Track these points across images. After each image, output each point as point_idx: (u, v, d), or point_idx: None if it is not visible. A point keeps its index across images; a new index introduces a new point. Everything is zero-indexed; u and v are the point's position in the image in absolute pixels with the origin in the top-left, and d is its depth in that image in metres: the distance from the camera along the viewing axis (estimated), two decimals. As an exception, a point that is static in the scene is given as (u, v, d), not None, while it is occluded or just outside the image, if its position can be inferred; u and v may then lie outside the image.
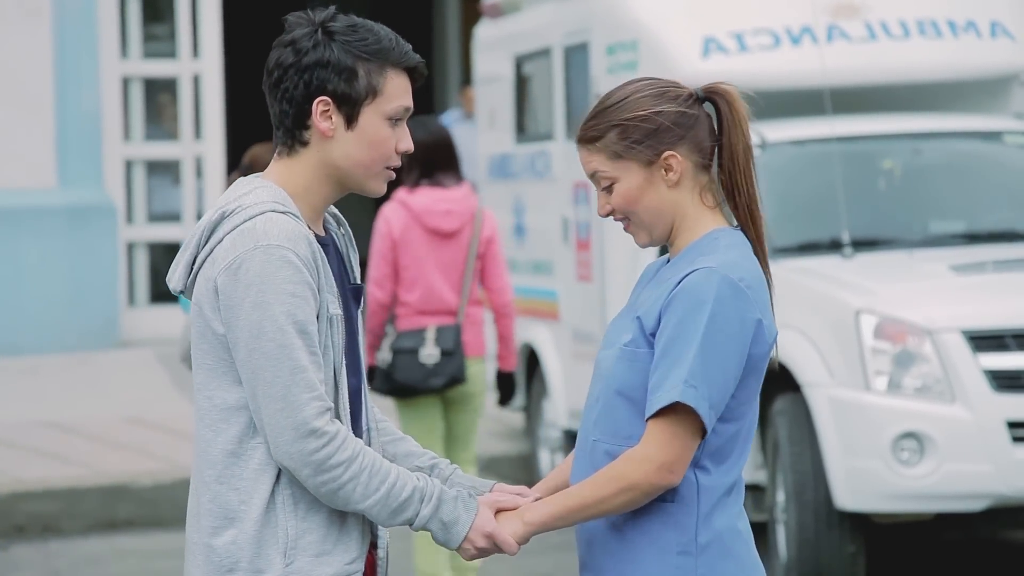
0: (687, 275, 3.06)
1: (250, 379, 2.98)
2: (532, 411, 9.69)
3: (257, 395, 2.98)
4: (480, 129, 10.60)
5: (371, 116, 3.08)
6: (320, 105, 3.06)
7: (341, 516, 3.06)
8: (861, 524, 7.18)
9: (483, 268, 7.04)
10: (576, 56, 9.04)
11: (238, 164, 6.99)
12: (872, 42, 8.45)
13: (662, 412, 3.03)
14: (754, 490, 7.73)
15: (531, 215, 9.70)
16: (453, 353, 6.90)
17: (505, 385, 7.37)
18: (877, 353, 7.06)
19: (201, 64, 13.02)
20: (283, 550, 3.02)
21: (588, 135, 3.15)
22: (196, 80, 13.03)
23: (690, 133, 3.13)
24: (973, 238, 8.04)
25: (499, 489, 3.25)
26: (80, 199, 12.36)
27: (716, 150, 3.16)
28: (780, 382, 7.44)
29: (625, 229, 3.19)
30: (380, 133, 3.09)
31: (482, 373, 7.10)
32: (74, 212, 12.31)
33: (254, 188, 3.07)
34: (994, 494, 6.98)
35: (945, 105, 8.72)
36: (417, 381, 6.88)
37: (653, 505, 3.09)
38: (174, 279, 3.10)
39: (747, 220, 3.15)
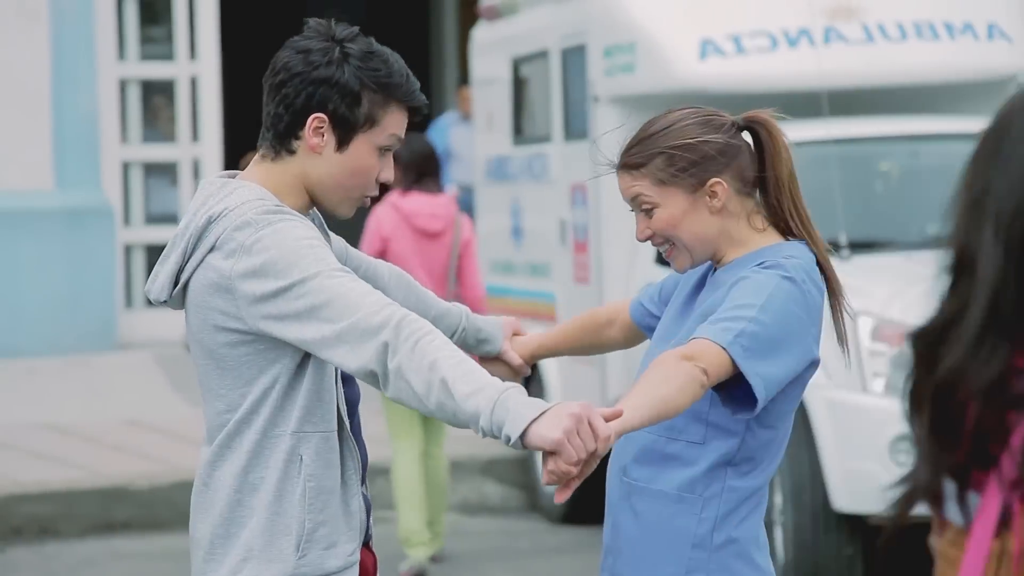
0: (753, 267, 3.10)
1: (307, 318, 2.92)
2: (530, 413, 9.69)
3: (317, 325, 2.91)
4: (477, 131, 10.61)
5: (363, 144, 3.08)
6: (315, 121, 3.05)
7: (347, 507, 3.07)
8: (859, 526, 7.18)
9: (460, 267, 8.02)
10: (573, 58, 9.04)
11: (235, 167, 7.11)
12: (869, 44, 8.45)
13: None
14: (752, 492, 7.73)
15: (528, 217, 9.70)
16: None
17: None
18: (874, 355, 7.06)
19: (198, 66, 13.02)
20: (297, 543, 3.02)
21: (633, 161, 3.18)
22: (193, 82, 13.03)
23: (734, 162, 3.18)
24: (970, 240, 8.03)
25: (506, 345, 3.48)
26: (77, 201, 12.35)
27: (760, 179, 3.20)
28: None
29: (666, 255, 3.22)
30: (367, 161, 3.09)
31: None
32: (71, 214, 12.31)
33: (236, 188, 3.06)
34: (991, 496, 6.98)
35: (942, 107, 8.72)
36: None
37: (679, 496, 3.12)
38: (155, 289, 3.07)
39: (809, 241, 3.21)
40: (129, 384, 11.68)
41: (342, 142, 3.07)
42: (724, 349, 2.96)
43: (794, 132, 9.26)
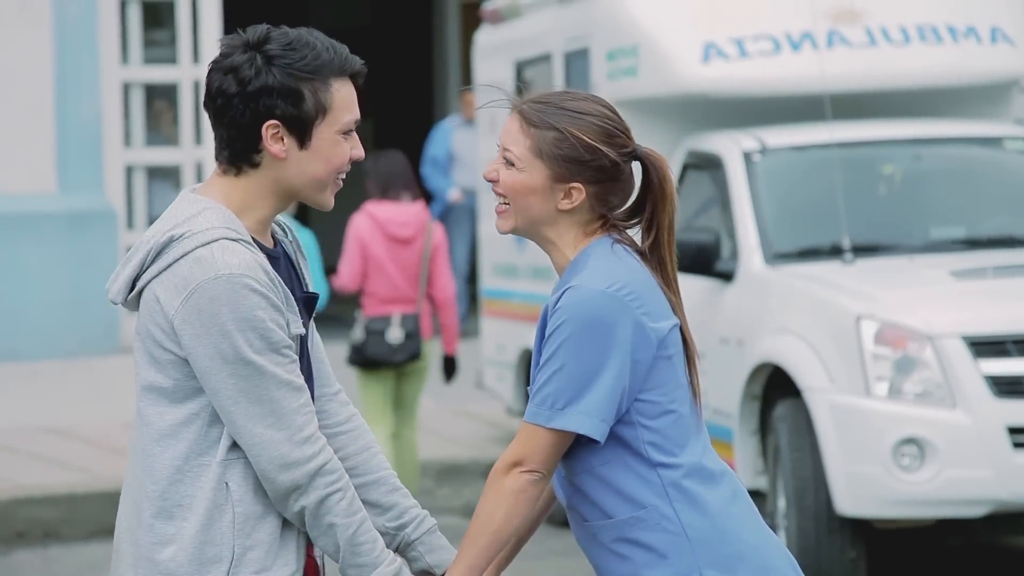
0: (560, 295, 3.15)
1: (231, 404, 2.98)
2: (532, 417, 9.68)
3: (240, 417, 2.98)
4: (481, 135, 10.61)
5: (323, 134, 3.07)
6: (270, 129, 3.04)
7: (282, 531, 3.06)
8: (862, 530, 7.17)
9: (432, 270, 8.73)
10: (576, 62, 9.04)
11: None
12: (872, 48, 8.45)
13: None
14: (755, 496, 7.72)
15: (531, 221, 9.69)
16: (413, 335, 8.61)
17: (449, 366, 9.11)
18: (878, 359, 7.06)
19: (201, 70, 13.01)
20: (227, 568, 3.02)
21: (531, 116, 3.17)
22: (196, 86, 13.03)
23: (607, 184, 3.18)
24: (973, 244, 8.03)
25: None
26: (80, 204, 12.36)
27: (645, 216, 3.21)
28: (781, 388, 7.44)
29: (497, 210, 3.24)
30: (335, 148, 3.08)
31: (430, 351, 8.85)
32: (74, 217, 12.31)
33: (202, 210, 3.04)
34: (995, 500, 6.98)
35: (945, 111, 8.72)
36: (383, 356, 8.58)
37: (631, 519, 3.13)
38: (112, 291, 3.08)
39: (666, 279, 3.20)
40: (131, 387, 11.64)
41: (303, 140, 3.05)
42: (547, 427, 3.10)
43: (797, 136, 9.33)
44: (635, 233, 3.24)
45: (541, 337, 3.21)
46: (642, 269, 3.17)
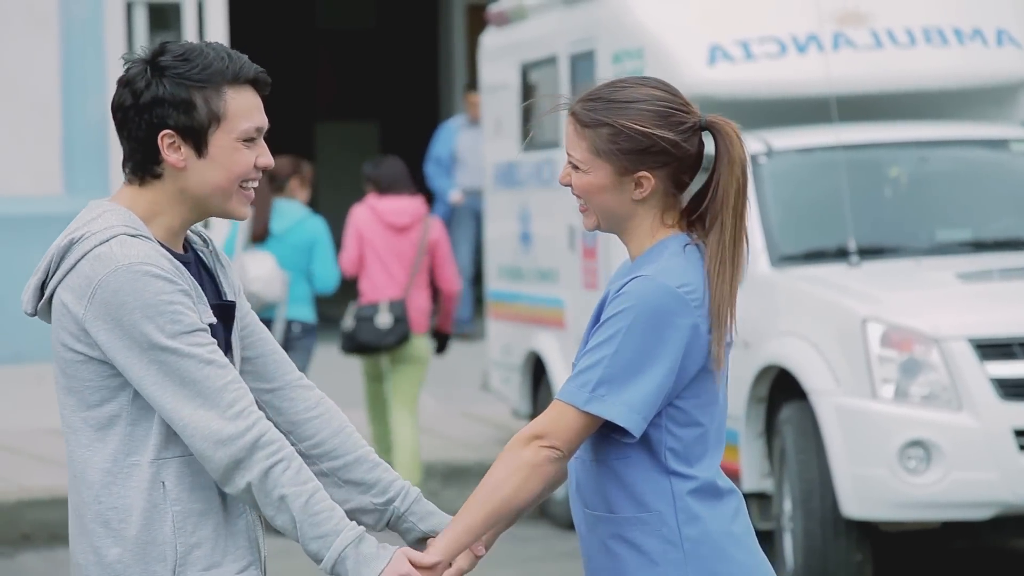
0: (628, 281, 3.10)
1: (157, 391, 2.97)
2: (538, 419, 9.68)
3: (168, 403, 2.96)
4: (486, 137, 10.60)
5: (221, 141, 3.06)
6: (165, 139, 3.04)
7: (228, 526, 3.05)
8: (868, 532, 7.17)
9: (435, 265, 9.17)
10: (582, 64, 9.04)
11: None
12: (878, 50, 8.44)
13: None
14: (760, 498, 7.72)
15: (537, 223, 9.70)
16: (401, 320, 9.00)
17: (441, 339, 9.47)
18: (884, 361, 7.05)
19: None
20: (172, 567, 3.01)
21: (582, 118, 3.15)
22: (202, 88, 13.04)
23: (674, 163, 3.13)
24: (980, 246, 8.03)
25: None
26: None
27: (710, 184, 3.15)
28: (787, 390, 7.43)
29: (580, 209, 3.21)
30: (234, 156, 3.06)
31: (425, 345, 9.16)
32: (80, 220, 12.33)
33: (102, 212, 3.05)
34: (1001, 502, 6.97)
35: (951, 113, 8.71)
36: (373, 341, 8.98)
37: (633, 518, 3.11)
38: (24, 301, 3.11)
39: (727, 255, 3.13)
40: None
41: (199, 148, 3.05)
42: (581, 409, 3.05)
43: (803, 138, 9.33)
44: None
45: (595, 321, 3.15)
46: (706, 280, 3.13)
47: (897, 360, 7.04)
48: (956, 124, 8.56)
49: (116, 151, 12.73)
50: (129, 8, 12.88)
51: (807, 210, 8.15)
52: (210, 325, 3.04)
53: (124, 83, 3.07)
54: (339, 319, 9.30)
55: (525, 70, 9.86)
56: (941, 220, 8.22)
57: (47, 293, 3.07)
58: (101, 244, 3.00)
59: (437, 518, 3.24)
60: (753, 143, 8.12)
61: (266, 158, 3.09)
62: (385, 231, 9.09)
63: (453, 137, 14.20)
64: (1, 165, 12.24)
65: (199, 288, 3.06)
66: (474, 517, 3.07)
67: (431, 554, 3.07)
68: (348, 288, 9.52)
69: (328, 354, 10.84)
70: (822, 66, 8.16)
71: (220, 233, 12.80)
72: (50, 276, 3.06)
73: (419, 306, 9.10)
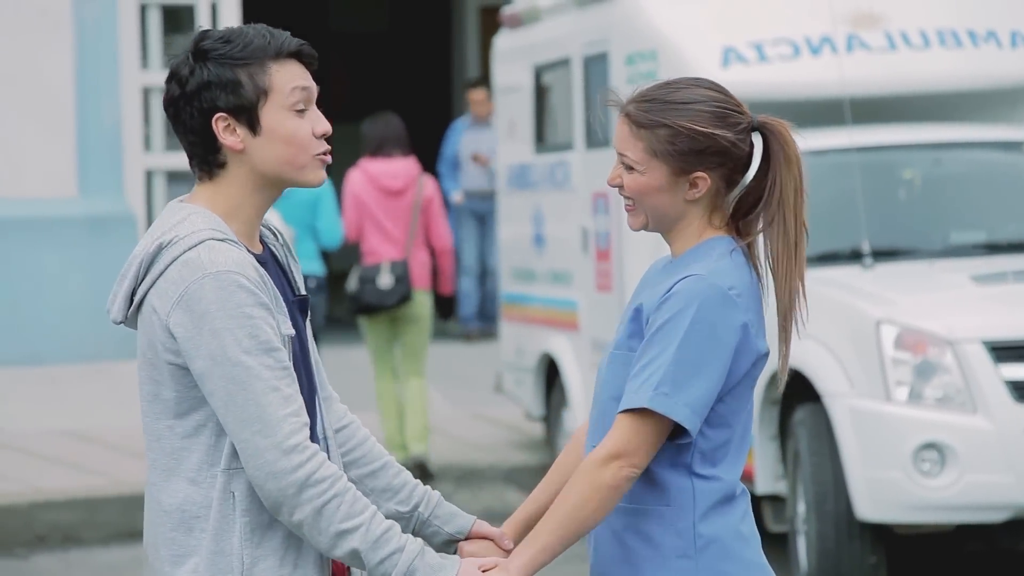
0: (678, 281, 3.09)
1: (223, 407, 2.95)
2: (552, 421, 9.69)
3: (231, 421, 2.95)
4: (499, 139, 10.61)
5: (272, 114, 3.04)
6: (220, 123, 3.04)
7: (297, 539, 3.03)
8: (882, 535, 7.16)
9: (427, 222, 9.60)
10: (595, 66, 9.04)
11: None
12: (892, 52, 8.43)
13: (632, 409, 3.06)
14: (775, 501, 7.71)
15: (550, 225, 9.69)
16: (402, 279, 9.43)
17: (444, 304, 10.11)
18: (898, 363, 7.04)
19: (221, 74, 13.04)
20: None
21: (638, 119, 3.14)
22: (216, 90, 13.05)
23: (729, 164, 3.14)
24: (994, 248, 8.02)
25: (477, 532, 3.24)
26: (100, 209, 12.38)
27: (765, 184, 3.16)
28: (801, 392, 7.43)
29: (627, 208, 3.21)
30: (288, 126, 3.04)
31: (427, 300, 9.64)
32: (94, 222, 12.33)
33: (188, 215, 3.05)
34: (1016, 505, 6.96)
35: (965, 115, 8.70)
36: (376, 301, 9.41)
37: (650, 511, 3.11)
38: (113, 311, 3.07)
39: (792, 255, 3.16)
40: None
41: (253, 125, 3.04)
42: (646, 408, 3.03)
43: (816, 140, 9.31)
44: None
45: (634, 317, 3.14)
46: (755, 283, 3.15)
47: (911, 362, 7.03)
48: (970, 126, 8.55)
49: (130, 152, 12.77)
50: (143, 10, 12.89)
51: (821, 212, 8.13)
52: (288, 336, 3.02)
53: (170, 77, 3.07)
54: (343, 320, 9.47)
55: (538, 72, 9.86)
56: (955, 222, 8.21)
57: (136, 300, 3.04)
58: (190, 249, 2.99)
59: (461, 519, 3.25)
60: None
61: (323, 125, 3.07)
62: (380, 194, 9.48)
63: (458, 137, 14.20)
64: (15, 167, 12.26)
65: (279, 297, 3.05)
66: (551, 539, 3.06)
67: (505, 571, 3.06)
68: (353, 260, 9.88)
69: (333, 355, 10.84)
70: (836, 68, 8.16)
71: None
72: (139, 282, 3.03)
73: (420, 261, 9.56)
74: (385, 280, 9.42)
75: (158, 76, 12.99)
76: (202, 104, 3.03)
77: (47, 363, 11.99)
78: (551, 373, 9.66)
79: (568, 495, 3.06)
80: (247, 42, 3.04)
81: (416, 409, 9.62)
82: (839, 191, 7.99)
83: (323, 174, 3.10)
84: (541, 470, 9.85)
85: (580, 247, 9.23)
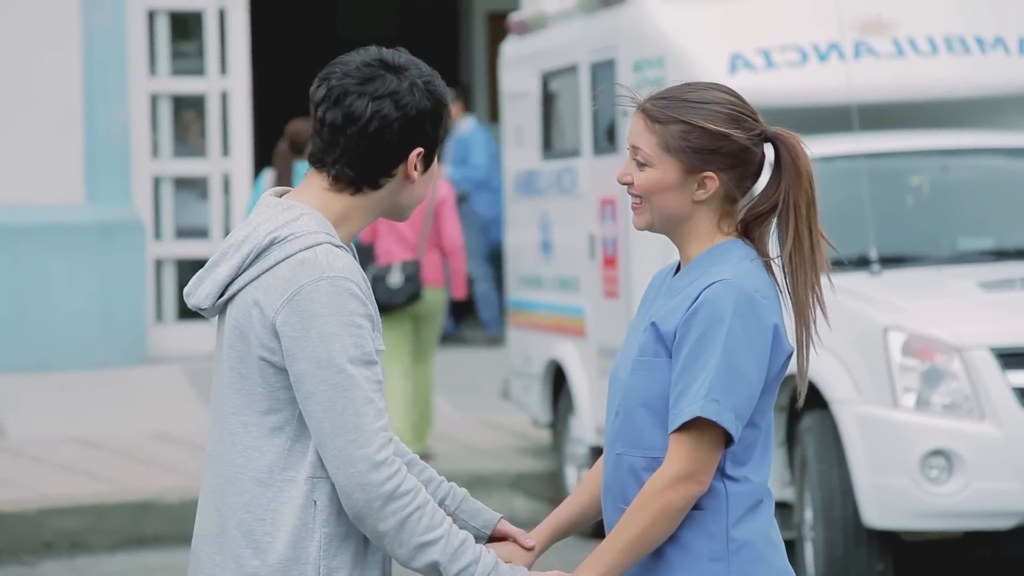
0: (705, 288, 3.10)
1: (320, 411, 2.95)
2: (559, 428, 9.68)
3: (326, 427, 2.95)
4: (507, 146, 10.61)
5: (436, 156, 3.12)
6: (417, 155, 3.06)
7: (367, 554, 3.05)
8: (889, 542, 7.15)
9: (439, 222, 9.81)
10: (603, 73, 9.04)
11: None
12: (900, 58, 8.43)
13: (685, 426, 3.06)
14: (782, 507, 7.70)
15: (558, 232, 9.70)
16: (412, 278, 9.65)
17: (459, 308, 10.12)
18: (905, 370, 7.04)
19: (229, 81, 13.06)
20: None
21: (654, 113, 3.15)
22: (224, 97, 13.07)
23: (740, 168, 3.16)
24: (1002, 255, 8.01)
25: (500, 531, 3.28)
26: (108, 215, 12.39)
27: (778, 195, 3.18)
28: (808, 399, 7.42)
29: (633, 206, 3.21)
30: (438, 171, 3.16)
31: (440, 297, 9.87)
32: (102, 228, 12.35)
33: (302, 214, 3.04)
34: (1023, 512, 6.95)
35: (973, 122, 8.69)
36: (385, 300, 9.53)
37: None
38: (198, 295, 3.05)
39: (808, 265, 3.18)
40: (159, 398, 11.70)
41: (429, 162, 3.10)
42: (716, 427, 3.03)
43: (824, 146, 9.30)
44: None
45: (652, 332, 3.14)
46: (774, 285, 3.16)
47: (919, 369, 7.03)
48: (978, 132, 8.54)
49: (138, 159, 12.78)
50: (151, 17, 12.91)
51: (828, 218, 8.07)
52: (380, 351, 3.04)
53: (383, 94, 3.03)
54: None
55: (546, 79, 9.86)
56: (963, 229, 8.20)
57: (233, 289, 3.02)
58: (306, 249, 2.98)
59: (487, 515, 3.29)
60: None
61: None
62: None
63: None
64: (23, 174, 12.27)
65: (377, 310, 3.07)
66: (620, 559, 3.07)
67: None
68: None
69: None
70: (843, 75, 8.15)
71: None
72: (240, 272, 3.02)
73: (432, 261, 9.79)
74: (395, 279, 9.65)
75: (166, 83, 13.01)
76: (415, 133, 3.06)
77: (55, 370, 12.00)
78: (558, 380, 9.66)
79: (636, 517, 3.07)
80: (443, 83, 3.11)
81: (424, 398, 9.90)
82: (847, 197, 7.98)
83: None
84: (548, 477, 9.84)
85: (587, 253, 9.23)
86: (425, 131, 3.06)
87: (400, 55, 3.09)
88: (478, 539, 3.26)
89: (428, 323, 9.91)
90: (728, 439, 3.08)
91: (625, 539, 3.07)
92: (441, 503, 3.26)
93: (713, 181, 3.14)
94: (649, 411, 3.12)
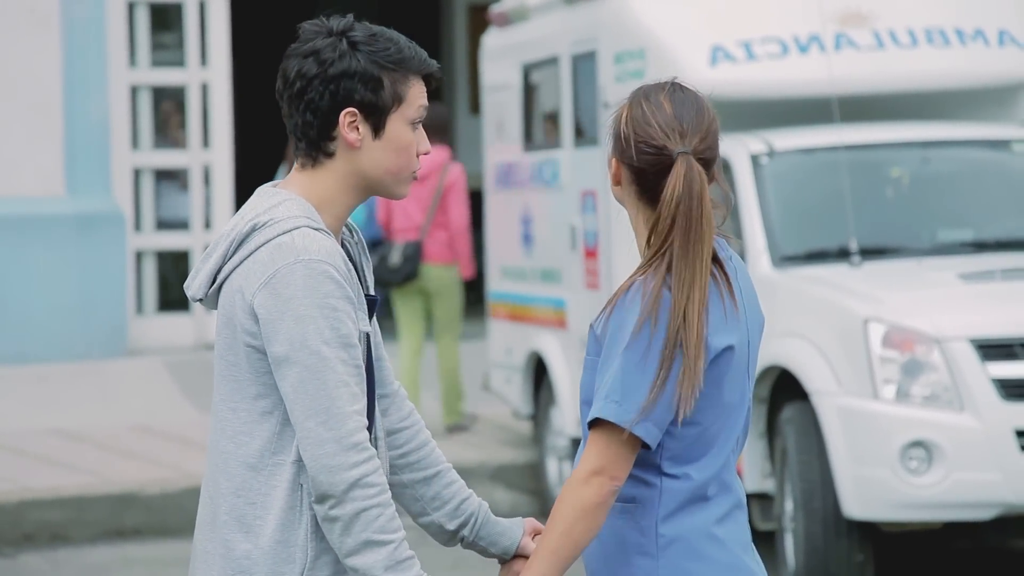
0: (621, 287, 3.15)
1: (292, 392, 2.96)
2: (540, 419, 9.69)
3: (298, 408, 2.96)
4: (487, 138, 10.61)
5: (397, 123, 3.08)
6: (347, 116, 3.05)
7: None
8: (869, 533, 7.17)
9: (446, 203, 10.20)
10: (584, 65, 9.04)
11: (246, 173, 7.52)
12: (880, 50, 8.44)
13: (595, 423, 3.08)
14: (762, 499, 7.72)
15: (539, 224, 9.70)
16: (411, 258, 10.13)
17: (466, 287, 10.56)
18: (885, 362, 7.05)
19: (209, 73, 13.03)
20: (300, 570, 3.01)
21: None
22: (204, 88, 13.04)
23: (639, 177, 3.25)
24: (981, 247, 8.03)
25: (522, 551, 3.29)
26: (88, 207, 12.37)
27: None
28: (788, 391, 7.44)
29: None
30: (405, 138, 3.09)
31: (447, 274, 10.31)
32: (82, 220, 12.32)
33: (283, 200, 3.05)
34: (1003, 503, 6.97)
35: (953, 113, 8.71)
36: (384, 277, 10.05)
37: (620, 508, 3.13)
38: (193, 287, 3.08)
39: (680, 279, 3.13)
40: (139, 390, 11.68)
41: (377, 128, 3.07)
42: (628, 431, 3.03)
43: (805, 138, 9.32)
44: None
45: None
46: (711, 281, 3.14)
47: (899, 360, 7.04)
48: (958, 124, 8.56)
49: (118, 150, 12.75)
50: (131, 8, 12.88)
51: (809, 210, 8.15)
52: (365, 333, 3.03)
53: (309, 53, 3.05)
54: None
55: (527, 71, 9.86)
56: (943, 220, 8.22)
57: (221, 278, 3.05)
58: (284, 233, 3.00)
59: (507, 539, 3.29)
60: (754, 143, 8.12)
61: (425, 145, 3.14)
62: None
63: None
64: (3, 165, 12.24)
65: (361, 292, 3.06)
66: (548, 564, 3.08)
67: None
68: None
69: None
70: (824, 66, 8.16)
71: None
72: (226, 260, 3.04)
73: (437, 239, 10.21)
74: (395, 258, 10.10)
75: (146, 74, 12.98)
76: (338, 91, 3.04)
77: (35, 362, 11.97)
78: (539, 371, 9.67)
79: (556, 517, 3.08)
80: (398, 49, 3.08)
81: (448, 374, 10.36)
82: (827, 189, 8.00)
83: (409, 189, 3.15)
84: (529, 468, 9.85)
85: (568, 245, 9.23)
86: (354, 90, 3.03)
87: (355, 22, 3.09)
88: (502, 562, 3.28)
89: (440, 300, 10.31)
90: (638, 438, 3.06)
91: (550, 542, 3.09)
92: (460, 528, 3.27)
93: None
94: (589, 409, 3.14)
